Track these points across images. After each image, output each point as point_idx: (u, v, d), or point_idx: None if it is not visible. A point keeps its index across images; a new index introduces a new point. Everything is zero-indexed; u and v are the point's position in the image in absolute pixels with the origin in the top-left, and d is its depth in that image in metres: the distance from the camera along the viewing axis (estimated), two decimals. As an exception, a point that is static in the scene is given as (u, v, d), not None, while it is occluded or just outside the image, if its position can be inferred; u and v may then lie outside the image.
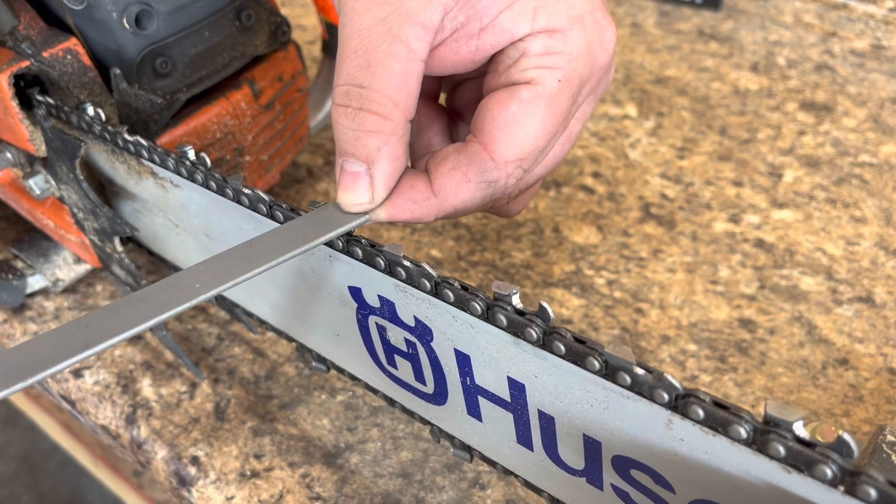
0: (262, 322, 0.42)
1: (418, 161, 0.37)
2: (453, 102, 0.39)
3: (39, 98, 0.41)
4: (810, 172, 0.59)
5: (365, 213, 0.32)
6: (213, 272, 0.29)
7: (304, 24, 0.80)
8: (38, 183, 0.45)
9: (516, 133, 0.31)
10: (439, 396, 0.34)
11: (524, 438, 0.31)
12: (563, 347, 0.26)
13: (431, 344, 0.32)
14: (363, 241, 0.31)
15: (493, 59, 0.33)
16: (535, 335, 0.27)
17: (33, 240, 0.50)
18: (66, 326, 0.26)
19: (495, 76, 0.33)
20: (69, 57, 0.41)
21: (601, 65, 0.33)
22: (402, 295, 0.31)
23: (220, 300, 0.44)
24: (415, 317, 0.31)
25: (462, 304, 0.29)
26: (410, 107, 0.31)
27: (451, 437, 0.35)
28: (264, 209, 0.34)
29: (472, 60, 0.33)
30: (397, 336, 0.33)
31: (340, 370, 0.39)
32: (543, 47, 0.31)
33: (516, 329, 0.27)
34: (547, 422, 0.29)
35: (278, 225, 0.33)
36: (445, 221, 0.55)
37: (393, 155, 0.31)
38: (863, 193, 0.57)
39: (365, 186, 0.32)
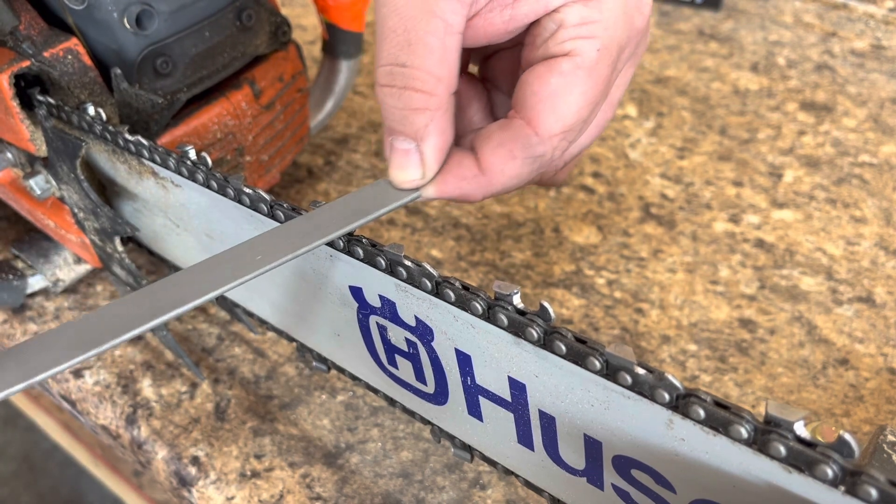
0: (262, 322, 0.42)
1: (462, 139, 0.37)
2: (486, 73, 0.39)
3: (40, 98, 0.41)
4: (810, 172, 0.59)
5: (416, 189, 0.33)
6: (274, 243, 0.30)
7: (305, 24, 0.80)
8: (39, 183, 0.45)
9: (559, 106, 0.31)
10: (440, 396, 0.34)
11: (525, 438, 0.31)
12: (563, 347, 0.26)
13: (432, 344, 0.32)
14: (364, 240, 0.31)
15: (529, 30, 0.33)
16: (535, 335, 0.27)
17: (34, 240, 0.50)
18: (68, 325, 0.26)
19: (532, 49, 0.33)
20: (70, 57, 0.41)
21: (638, 29, 0.34)
22: (402, 295, 0.31)
23: (221, 300, 0.44)
24: (416, 316, 0.31)
25: (463, 304, 0.29)
26: (453, 81, 0.31)
27: (451, 437, 0.35)
28: (265, 209, 0.34)
29: (506, 31, 0.33)
30: (398, 336, 0.33)
31: (341, 370, 0.39)
32: (580, 17, 0.31)
33: (517, 329, 0.27)
34: (548, 422, 0.29)
35: (324, 205, 0.33)
36: (446, 221, 0.55)
37: (440, 130, 0.32)
38: (863, 193, 0.57)
39: (416, 163, 0.32)
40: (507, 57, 0.37)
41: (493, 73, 0.38)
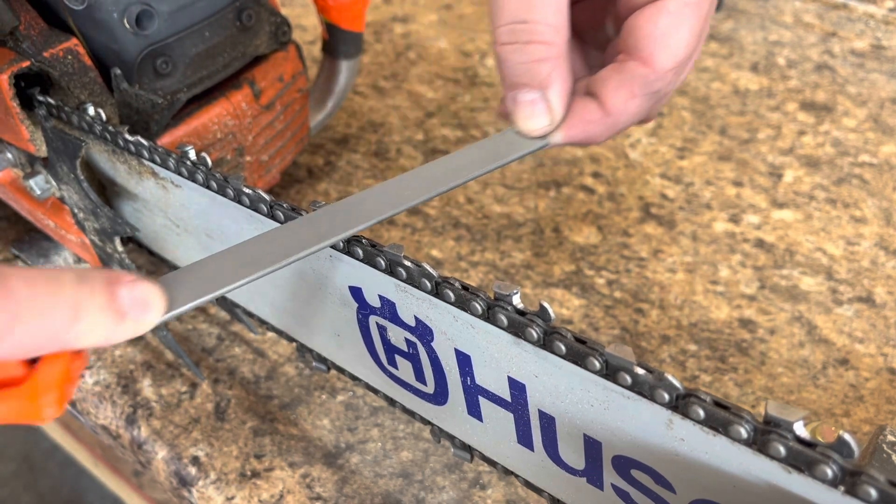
0: (262, 322, 0.42)
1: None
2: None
3: (40, 98, 0.41)
4: (810, 172, 0.59)
5: (543, 137, 0.35)
6: (417, 183, 0.33)
7: (305, 24, 0.80)
8: (39, 183, 0.45)
9: (671, 43, 0.34)
10: (440, 396, 0.34)
11: (525, 438, 0.31)
12: (563, 347, 0.26)
13: (432, 344, 0.32)
14: (364, 241, 0.31)
15: None
16: (535, 335, 0.27)
17: (33, 240, 0.50)
18: (238, 247, 0.29)
19: None
20: (70, 57, 0.41)
21: None
22: (402, 295, 0.31)
23: (221, 301, 0.44)
24: (415, 317, 0.31)
25: (463, 304, 0.29)
26: (568, 29, 0.34)
27: (451, 437, 0.35)
28: (265, 209, 0.34)
29: None
30: (398, 336, 0.33)
31: (341, 370, 0.39)
32: None
33: (517, 329, 0.27)
34: (547, 422, 0.29)
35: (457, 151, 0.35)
36: (445, 222, 0.55)
37: (562, 76, 0.34)
38: (863, 193, 0.57)
39: (543, 111, 0.34)
40: (588, 8, 0.39)
41: (577, 23, 0.41)
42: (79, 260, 0.49)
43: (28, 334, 0.22)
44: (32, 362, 0.24)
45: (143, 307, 0.25)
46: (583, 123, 0.35)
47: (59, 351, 0.23)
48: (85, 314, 0.23)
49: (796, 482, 0.22)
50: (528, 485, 0.33)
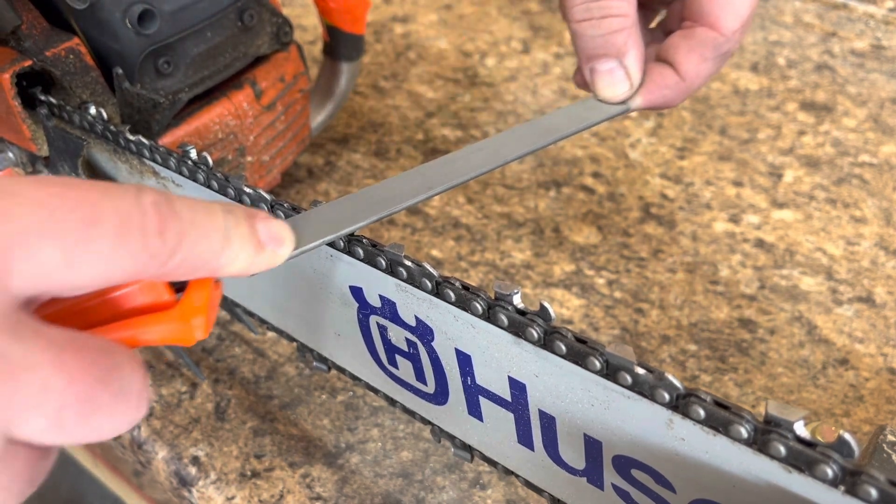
0: (262, 322, 0.42)
1: None
2: None
3: (42, 97, 0.41)
4: (810, 172, 0.59)
5: (623, 103, 0.38)
6: (512, 142, 0.36)
7: (305, 24, 0.81)
8: (40, 183, 0.45)
9: (735, 5, 0.37)
10: (440, 396, 0.34)
11: (525, 438, 0.31)
12: (564, 347, 0.26)
13: (432, 344, 0.32)
14: (364, 240, 0.31)
15: None
16: (536, 335, 0.27)
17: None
18: (360, 193, 0.32)
19: None
20: (71, 56, 0.41)
21: None
22: (403, 295, 0.31)
23: (222, 300, 0.44)
24: (416, 316, 0.31)
25: (463, 304, 0.29)
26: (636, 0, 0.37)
27: (451, 437, 0.35)
28: (266, 209, 0.34)
29: None
30: (398, 336, 0.33)
31: (341, 370, 0.39)
32: None
33: (517, 329, 0.27)
34: (548, 421, 0.29)
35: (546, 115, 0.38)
36: (445, 221, 0.55)
37: (637, 44, 0.37)
38: (863, 193, 0.57)
39: (622, 78, 0.37)
40: None
41: None
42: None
43: (190, 255, 0.23)
44: (177, 291, 0.25)
45: (277, 241, 0.26)
46: (660, 89, 0.38)
47: (207, 276, 0.25)
48: (232, 242, 0.25)
49: (796, 482, 0.22)
50: (528, 485, 0.33)
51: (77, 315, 0.24)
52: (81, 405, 0.20)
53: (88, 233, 0.21)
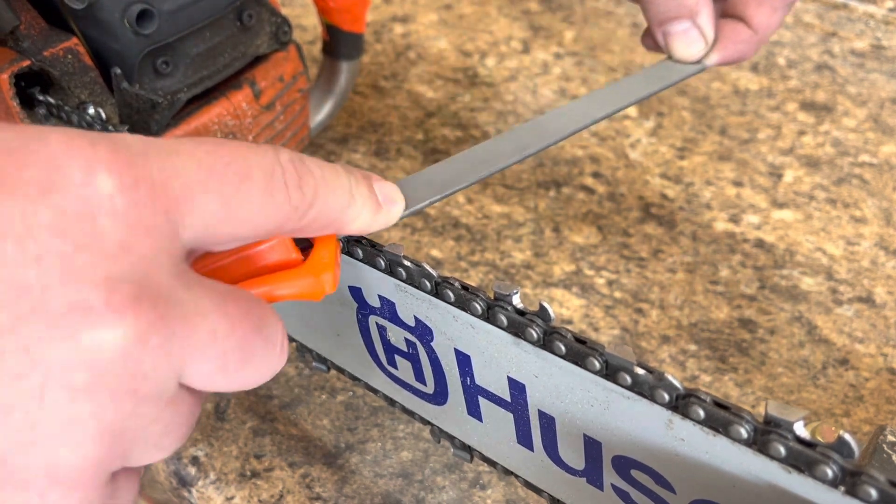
0: (262, 322, 0.42)
1: None
2: None
3: (40, 97, 0.41)
4: (810, 172, 0.59)
5: (698, 62, 0.39)
6: (591, 105, 0.37)
7: (305, 24, 0.80)
8: (39, 183, 0.45)
9: None
10: (439, 396, 0.34)
11: (524, 438, 0.31)
12: (563, 347, 0.26)
13: (432, 344, 0.32)
14: (364, 241, 0.31)
15: None
16: (535, 335, 0.27)
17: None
18: (460, 156, 0.34)
19: None
20: (70, 57, 0.41)
21: None
22: (402, 295, 0.31)
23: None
24: (415, 317, 0.31)
25: (462, 304, 0.29)
26: None
27: (451, 437, 0.35)
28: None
29: None
30: (397, 336, 0.33)
31: (340, 370, 0.39)
32: None
33: (517, 329, 0.27)
34: (547, 422, 0.29)
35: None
36: (445, 222, 0.55)
37: (707, 2, 0.38)
38: (863, 193, 0.57)
39: (696, 37, 0.39)
40: None
41: None
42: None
43: (324, 209, 0.25)
44: (302, 250, 0.26)
45: (391, 201, 0.29)
46: (734, 44, 0.39)
47: (333, 233, 0.27)
48: (356, 199, 0.26)
49: (796, 482, 0.22)
50: (527, 485, 0.33)
51: (218, 272, 0.25)
52: (241, 351, 0.21)
53: (243, 186, 0.22)
